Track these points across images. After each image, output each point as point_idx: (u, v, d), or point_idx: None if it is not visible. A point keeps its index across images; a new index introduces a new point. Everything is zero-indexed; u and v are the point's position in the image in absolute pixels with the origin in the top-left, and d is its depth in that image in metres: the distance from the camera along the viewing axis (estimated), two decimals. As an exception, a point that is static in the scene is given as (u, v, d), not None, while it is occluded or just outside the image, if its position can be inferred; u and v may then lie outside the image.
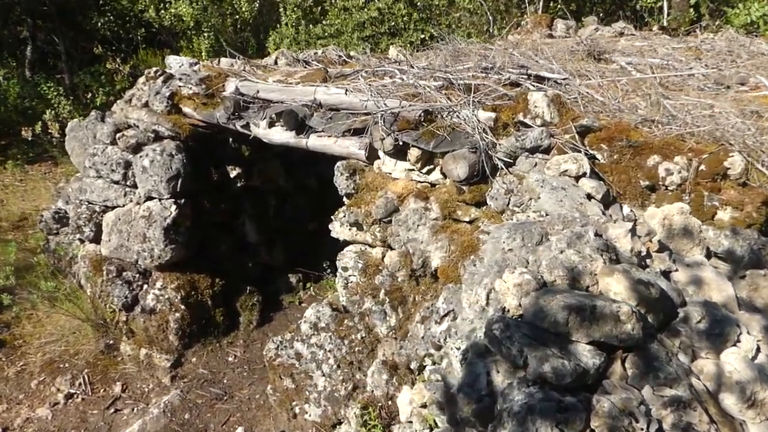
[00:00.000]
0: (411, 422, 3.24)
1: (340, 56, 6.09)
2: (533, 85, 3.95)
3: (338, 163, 3.94)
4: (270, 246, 5.68)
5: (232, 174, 5.28)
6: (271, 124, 4.32)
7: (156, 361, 4.81)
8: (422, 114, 3.51)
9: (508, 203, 3.15)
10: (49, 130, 8.21)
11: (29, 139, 8.22)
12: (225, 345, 5.07)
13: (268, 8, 10.15)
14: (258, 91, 4.38)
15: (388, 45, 7.16)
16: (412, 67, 4.36)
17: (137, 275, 5.03)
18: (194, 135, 4.89)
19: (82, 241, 5.31)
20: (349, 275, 3.89)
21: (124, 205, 5.00)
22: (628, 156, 3.05)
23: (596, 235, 2.35)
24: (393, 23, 7.16)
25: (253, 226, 5.49)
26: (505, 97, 3.65)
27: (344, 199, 4.01)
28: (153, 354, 4.80)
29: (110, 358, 4.94)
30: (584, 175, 3.01)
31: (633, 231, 2.36)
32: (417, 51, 7.01)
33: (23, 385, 4.68)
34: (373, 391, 3.53)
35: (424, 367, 3.29)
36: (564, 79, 3.98)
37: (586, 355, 1.95)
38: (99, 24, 10.53)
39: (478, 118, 3.43)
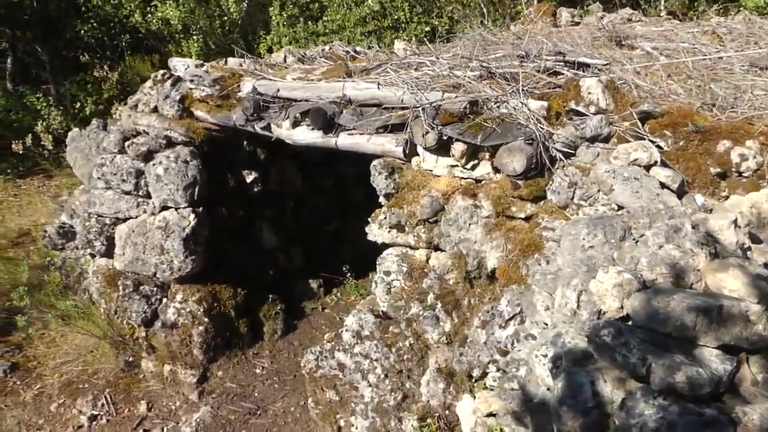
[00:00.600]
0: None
1: (347, 52, 5.90)
2: (573, 73, 3.80)
3: (375, 162, 3.73)
4: (288, 251, 5.47)
5: (249, 178, 5.05)
6: (295, 124, 4.11)
7: (181, 377, 4.57)
8: (468, 106, 3.32)
9: (573, 197, 2.98)
10: (42, 143, 7.90)
11: (20, 152, 7.92)
12: (251, 357, 4.85)
13: (254, 9, 9.89)
14: (278, 90, 4.16)
15: (392, 39, 6.97)
16: (439, 59, 4.17)
17: (155, 289, 4.79)
18: (208, 139, 4.65)
19: (93, 256, 5.04)
20: (392, 279, 3.70)
21: (137, 216, 4.75)
22: (695, 142, 2.90)
23: (693, 227, 2.19)
24: (396, 17, 6.96)
25: (271, 231, 5.27)
26: (550, 85, 3.49)
27: (382, 199, 3.80)
28: (177, 370, 4.57)
29: (131, 376, 4.69)
30: (655, 163, 2.85)
31: (736, 222, 2.20)
32: (422, 45, 6.82)
33: (42, 410, 4.41)
34: (429, 400, 3.35)
35: (486, 374, 3.13)
36: (605, 65, 3.83)
37: (714, 360, 1.79)
38: (82, 32, 10.15)
39: (528, 107, 3.25)
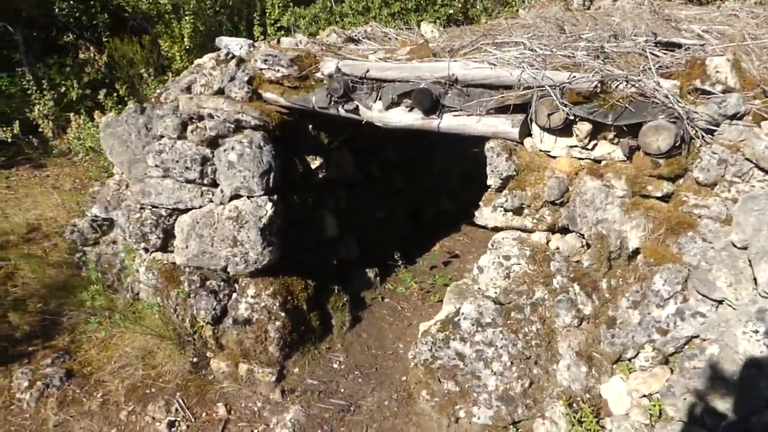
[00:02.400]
0: (628, 415, 3.04)
1: (385, 33, 5.74)
2: (669, 53, 3.79)
3: (491, 144, 3.62)
4: (345, 239, 5.27)
5: (313, 165, 4.80)
6: (389, 106, 3.94)
7: (258, 376, 4.32)
8: (598, 85, 3.26)
9: (724, 174, 2.97)
10: (41, 130, 7.33)
11: (8, 141, 7.31)
12: (324, 351, 4.64)
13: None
14: (368, 70, 3.96)
15: (418, 21, 6.83)
16: (534, 39, 4.08)
17: (222, 283, 4.50)
18: (280, 123, 4.39)
19: (147, 250, 4.68)
20: (512, 264, 3.60)
21: (201, 207, 4.45)
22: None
23: None
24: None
25: (333, 220, 5.05)
26: (661, 64, 3.47)
27: (493, 182, 3.69)
28: (254, 369, 4.31)
29: (201, 378, 4.40)
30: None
31: None
32: (446, 27, 6.70)
33: (112, 418, 4.07)
34: (569, 385, 3.28)
35: (637, 355, 3.10)
36: (702, 45, 3.85)
37: None
38: (59, 9, 9.43)
39: (661, 86, 3.21)
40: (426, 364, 3.70)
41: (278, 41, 5.07)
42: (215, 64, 4.42)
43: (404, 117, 3.91)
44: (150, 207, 4.59)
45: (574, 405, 3.18)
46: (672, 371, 3.00)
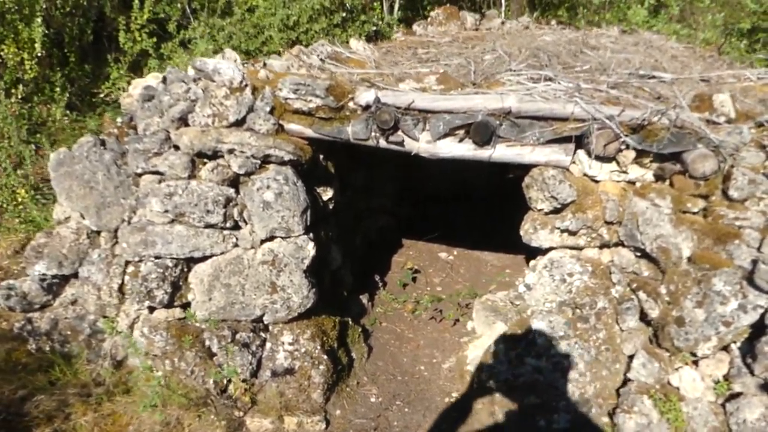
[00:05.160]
0: (700, 398, 3.64)
1: (340, 52, 5.72)
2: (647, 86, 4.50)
3: (552, 172, 3.91)
4: (344, 269, 5.12)
5: (325, 197, 4.56)
6: (439, 138, 4.00)
7: (308, 427, 4.05)
8: (647, 118, 3.77)
9: (754, 191, 3.69)
10: None
11: None
12: (355, 387, 4.50)
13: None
14: (413, 101, 3.97)
15: (347, 38, 6.82)
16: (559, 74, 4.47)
17: (251, 335, 4.10)
18: (310, 158, 4.14)
19: (152, 309, 4.03)
20: (575, 279, 3.96)
21: (222, 253, 3.99)
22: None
23: None
24: (342, 15, 6.75)
25: (338, 250, 4.87)
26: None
27: (543, 206, 4.00)
28: (303, 420, 4.03)
29: (241, 443, 3.98)
30: (806, 161, 3.72)
31: None
32: (372, 43, 6.80)
33: None
34: (645, 380, 3.75)
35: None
36: (676, 79, 4.63)
37: None
38: None
39: (691, 119, 3.84)
40: (510, 383, 3.88)
41: (263, 64, 4.71)
42: (228, 93, 3.97)
43: (455, 148, 4.00)
44: (153, 259, 3.96)
45: (672, 397, 3.66)
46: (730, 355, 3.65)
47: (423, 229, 6.73)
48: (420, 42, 7.18)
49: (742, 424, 3.44)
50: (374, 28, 6.99)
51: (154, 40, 8.11)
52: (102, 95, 8.08)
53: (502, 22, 8.41)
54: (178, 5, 7.40)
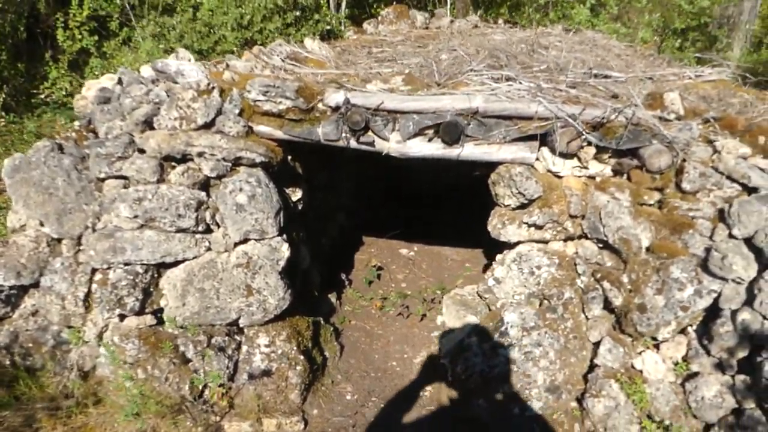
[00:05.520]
0: (662, 379, 3.88)
1: (298, 51, 5.73)
2: (601, 84, 4.73)
3: (519, 169, 4.05)
4: (312, 268, 5.13)
5: (294, 197, 4.55)
6: (408, 138, 4.08)
7: (287, 429, 4.06)
8: (606, 116, 3.97)
9: (705, 184, 3.94)
10: None
11: None
12: (330, 385, 4.53)
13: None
14: (382, 102, 4.03)
15: (302, 36, 6.80)
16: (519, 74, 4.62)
17: (226, 339, 4.06)
18: (281, 159, 4.13)
19: (123, 317, 3.94)
20: (543, 271, 4.12)
21: (195, 257, 3.94)
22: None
23: None
24: (297, 13, 6.71)
25: (307, 250, 4.87)
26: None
27: (509, 202, 4.15)
28: (282, 421, 4.04)
29: (220, 448, 3.94)
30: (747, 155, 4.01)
31: None
32: (326, 42, 6.82)
33: None
34: (611, 365, 3.96)
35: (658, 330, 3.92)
36: (626, 78, 4.87)
37: None
38: None
39: (646, 116, 4.07)
40: (483, 375, 4.01)
41: (226, 66, 4.65)
42: (195, 95, 3.91)
43: (424, 147, 4.09)
44: (122, 266, 3.86)
45: (636, 380, 3.87)
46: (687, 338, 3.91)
47: (382, 227, 6.83)
48: (373, 41, 7.24)
49: (701, 401, 3.69)
50: (327, 27, 6.99)
51: (95, 38, 7.83)
52: (43, 96, 7.71)
53: (451, 21, 8.58)
54: (117, 1, 7.16)
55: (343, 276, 5.62)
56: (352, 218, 6.92)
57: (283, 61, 5.14)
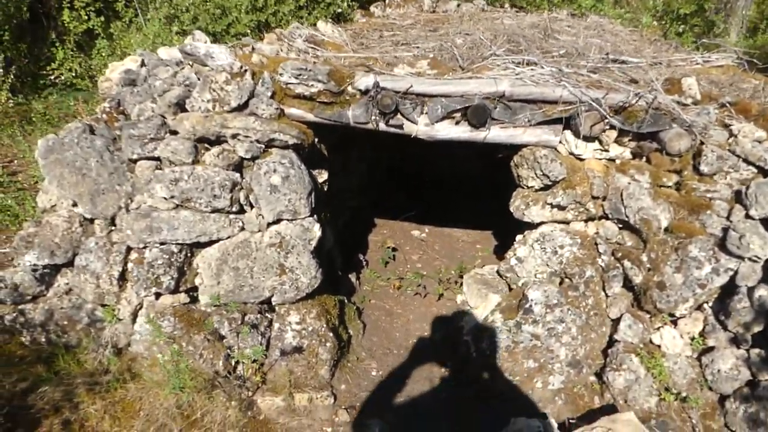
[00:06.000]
0: (680, 353, 4.06)
1: (315, 35, 5.78)
2: (619, 70, 4.85)
3: (544, 152, 4.17)
4: (336, 248, 5.24)
5: (320, 179, 4.64)
6: (437, 121, 4.18)
7: (318, 403, 4.20)
8: (628, 100, 4.10)
9: (722, 166, 4.09)
10: None
11: None
12: (355, 362, 4.66)
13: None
14: (411, 86, 4.12)
15: (315, 19, 6.84)
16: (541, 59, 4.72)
17: (258, 316, 4.17)
18: (311, 141, 4.22)
19: (159, 295, 4.03)
20: (565, 251, 4.27)
21: (229, 237, 4.03)
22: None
23: None
24: (309, -4, 6.74)
25: (330, 231, 4.98)
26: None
27: (533, 183, 4.28)
28: (313, 396, 4.17)
29: (254, 420, 4.07)
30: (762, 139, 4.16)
31: None
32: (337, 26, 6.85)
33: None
34: (630, 341, 4.13)
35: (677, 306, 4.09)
36: (642, 63, 4.99)
37: None
38: None
39: (666, 101, 4.20)
40: (510, 350, 4.17)
41: (252, 49, 4.70)
42: (228, 78, 3.97)
43: (452, 130, 4.20)
44: (158, 245, 3.95)
45: (656, 354, 4.04)
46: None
47: (392, 209, 6.95)
48: (383, 24, 7.28)
49: (717, 374, 3.88)
50: (338, 11, 7.02)
51: (102, 19, 7.79)
52: (52, 77, 7.68)
53: (458, 5, 8.63)
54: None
55: (361, 256, 5.73)
56: (364, 199, 7.01)
57: (304, 44, 5.19)
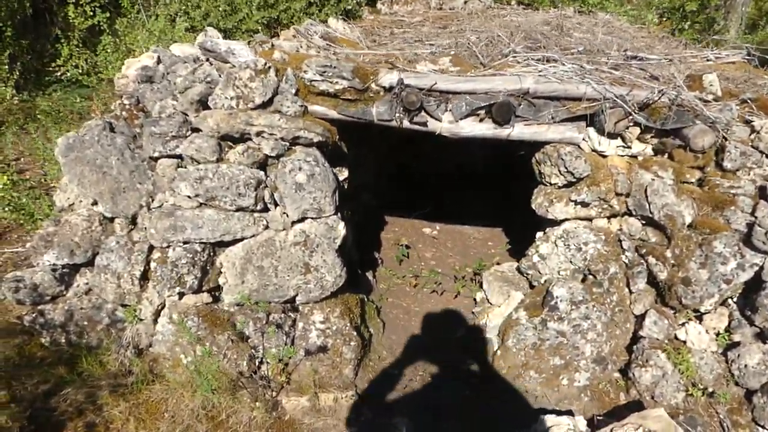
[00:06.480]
0: (705, 349, 4.07)
1: (330, 31, 5.75)
2: (638, 66, 4.85)
3: (568, 149, 4.16)
4: (354, 246, 5.21)
5: (341, 177, 4.60)
6: (461, 118, 4.16)
7: (343, 403, 4.17)
8: (652, 96, 4.09)
9: (745, 162, 4.10)
10: None
11: None
12: (377, 360, 4.64)
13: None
14: (435, 83, 4.09)
15: (326, 15, 6.80)
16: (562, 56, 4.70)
17: (282, 316, 4.14)
18: (335, 139, 4.18)
19: (182, 295, 3.98)
20: (590, 248, 4.26)
21: (253, 235, 3.99)
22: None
23: None
24: (319, -7, 6.70)
25: (350, 228, 4.94)
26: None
27: (556, 181, 4.27)
28: (338, 396, 4.14)
29: (279, 420, 4.03)
30: (785, 134, 4.17)
31: None
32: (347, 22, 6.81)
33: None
34: (656, 336, 4.13)
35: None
36: (661, 59, 5.00)
37: None
38: None
39: (689, 98, 4.20)
40: (537, 347, 4.16)
41: (271, 45, 4.65)
42: (253, 75, 3.92)
43: (476, 127, 4.18)
44: (181, 244, 3.90)
45: (682, 350, 4.04)
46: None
47: (402, 206, 6.93)
48: (392, 21, 7.25)
49: (744, 369, 3.89)
50: (348, 7, 6.99)
51: (107, 15, 7.71)
52: (58, 74, 7.58)
53: (465, 2, 8.61)
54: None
55: (376, 254, 5.70)
56: (375, 197, 6.98)
57: (322, 41, 5.15)
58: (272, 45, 4.69)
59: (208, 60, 4.40)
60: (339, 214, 4.12)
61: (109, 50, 7.59)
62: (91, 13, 7.62)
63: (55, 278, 4.07)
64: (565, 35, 5.62)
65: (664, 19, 10.78)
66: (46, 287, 4.06)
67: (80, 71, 7.45)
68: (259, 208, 3.94)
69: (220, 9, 6.31)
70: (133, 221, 4.13)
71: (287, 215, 3.98)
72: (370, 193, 6.95)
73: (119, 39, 7.79)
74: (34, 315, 4.10)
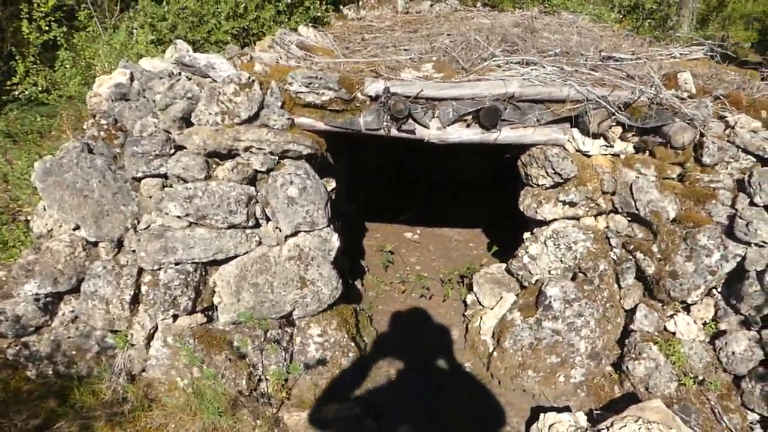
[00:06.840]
0: (694, 339, 4.20)
1: (304, 40, 5.72)
2: (615, 66, 4.97)
3: (555, 150, 4.22)
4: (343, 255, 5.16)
5: (329, 187, 4.55)
6: (448, 124, 4.18)
7: (345, 413, 4.13)
8: (632, 97, 4.20)
9: (723, 157, 4.25)
10: None
11: None
12: (373, 369, 4.62)
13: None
14: (422, 90, 4.11)
15: (295, 24, 6.74)
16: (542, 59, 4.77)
17: (279, 331, 4.08)
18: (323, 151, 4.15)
19: (176, 317, 3.88)
20: (579, 246, 4.34)
21: (246, 252, 3.93)
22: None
23: None
24: (287, 1, 6.61)
25: (340, 238, 4.89)
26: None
27: (544, 182, 4.34)
28: (338, 407, 4.11)
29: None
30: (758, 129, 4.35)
31: None
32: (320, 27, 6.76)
33: None
34: (647, 329, 4.24)
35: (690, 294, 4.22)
36: (634, 59, 5.12)
37: None
38: None
39: (667, 96, 4.33)
40: (534, 347, 4.21)
41: (249, 58, 4.58)
42: (237, 89, 3.86)
43: (463, 133, 4.20)
44: (173, 265, 3.81)
45: (673, 341, 4.15)
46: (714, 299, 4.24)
47: (383, 211, 6.94)
48: (361, 27, 7.23)
49: (732, 356, 4.02)
50: (317, 15, 6.93)
51: (64, 29, 7.44)
52: (16, 93, 7.29)
53: (431, 5, 8.66)
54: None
55: (361, 262, 5.68)
56: (354, 204, 6.95)
57: (300, 50, 5.10)
58: (251, 57, 4.62)
59: (184, 75, 4.30)
60: (332, 225, 4.09)
61: (67, 66, 7.34)
62: (47, 28, 7.36)
63: (38, 308, 3.92)
64: (538, 37, 5.71)
65: (623, 17, 11.09)
66: (29, 318, 3.91)
67: (39, 89, 7.18)
68: (251, 224, 3.87)
69: (188, 20, 6.16)
70: (119, 244, 4.01)
71: (280, 230, 3.93)
72: (348, 200, 6.91)
73: (78, 54, 7.55)
74: (17, 348, 3.95)
